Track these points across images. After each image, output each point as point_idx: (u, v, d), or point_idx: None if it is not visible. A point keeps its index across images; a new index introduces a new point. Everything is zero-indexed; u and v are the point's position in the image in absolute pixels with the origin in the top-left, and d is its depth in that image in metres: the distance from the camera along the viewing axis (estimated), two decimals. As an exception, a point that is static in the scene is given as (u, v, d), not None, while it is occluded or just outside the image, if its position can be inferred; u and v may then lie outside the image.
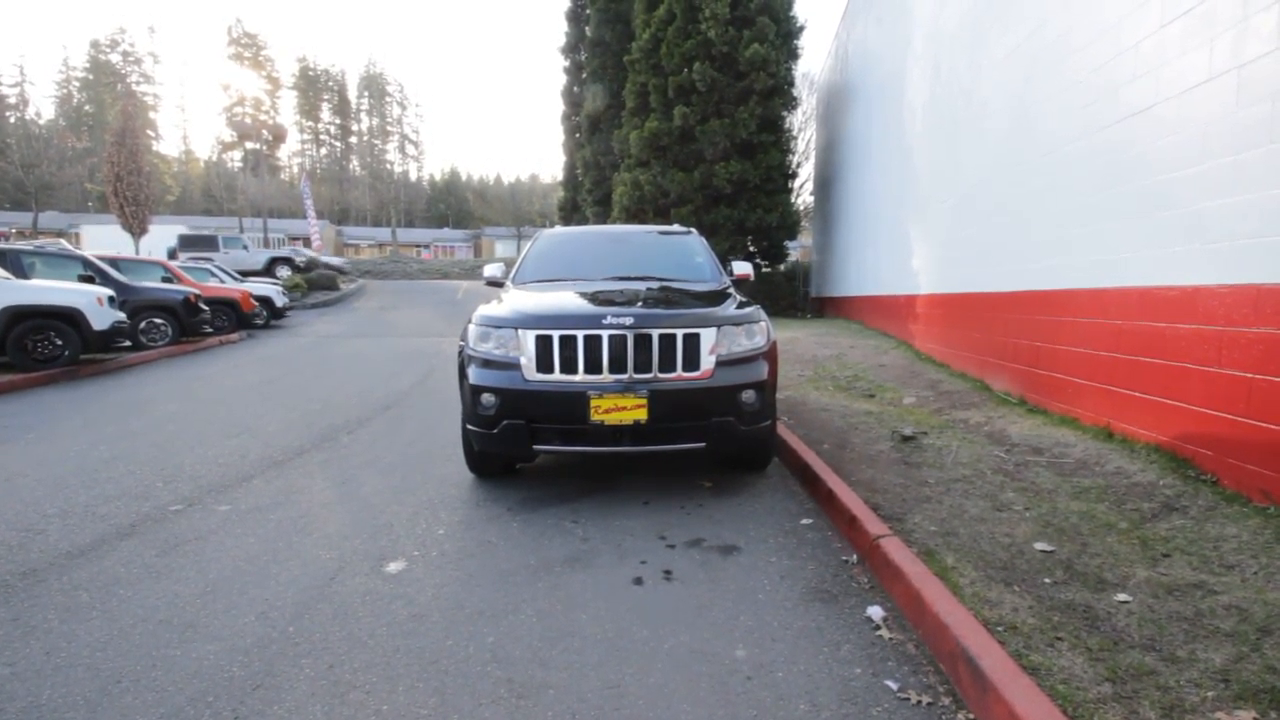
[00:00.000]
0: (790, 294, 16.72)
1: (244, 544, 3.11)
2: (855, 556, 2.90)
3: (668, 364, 3.49)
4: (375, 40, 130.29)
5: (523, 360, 3.52)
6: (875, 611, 2.40)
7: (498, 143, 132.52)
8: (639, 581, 2.72)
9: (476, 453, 3.92)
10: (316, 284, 21.77)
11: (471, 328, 3.80)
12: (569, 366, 3.48)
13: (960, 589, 2.41)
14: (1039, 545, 2.89)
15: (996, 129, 6.20)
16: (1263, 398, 3.04)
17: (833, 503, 3.38)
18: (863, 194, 12.32)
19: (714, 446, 3.59)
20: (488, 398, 3.55)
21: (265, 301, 14.67)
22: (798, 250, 23.74)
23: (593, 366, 3.46)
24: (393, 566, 2.86)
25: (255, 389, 7.59)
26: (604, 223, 18.16)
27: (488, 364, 3.62)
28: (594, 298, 3.99)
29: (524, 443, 3.54)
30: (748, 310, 3.87)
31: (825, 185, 16.37)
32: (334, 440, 5.17)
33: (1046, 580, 2.58)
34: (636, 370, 3.46)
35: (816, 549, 3.04)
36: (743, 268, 5.11)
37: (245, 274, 18.25)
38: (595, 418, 3.40)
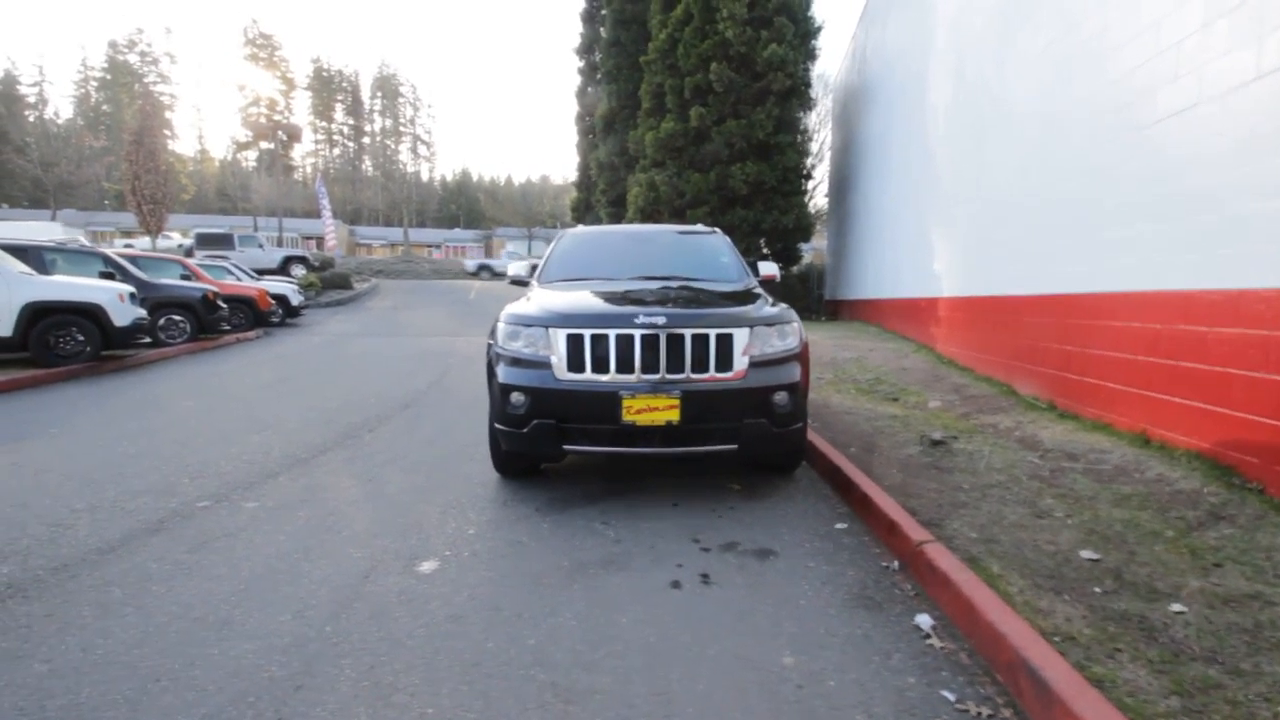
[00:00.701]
0: (804, 296, 16.64)
1: (274, 541, 3.09)
2: (896, 563, 2.84)
3: (700, 364, 3.45)
4: (388, 41, 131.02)
5: (553, 359, 3.49)
6: (923, 620, 2.34)
7: (509, 144, 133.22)
8: (677, 585, 2.67)
9: (504, 452, 3.88)
10: (331, 283, 21.87)
11: (500, 326, 3.77)
12: (600, 366, 3.44)
13: (1011, 598, 2.35)
14: (1085, 553, 2.82)
15: (1025, 131, 6.12)
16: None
17: (868, 508, 3.32)
18: (881, 196, 12.22)
19: (746, 449, 3.54)
20: (517, 397, 3.51)
21: (281, 300, 14.74)
22: (810, 253, 23.62)
23: (625, 366, 3.42)
24: (425, 566, 2.83)
25: (273, 386, 7.60)
26: (619, 223, 18.15)
27: (517, 363, 3.58)
28: (624, 297, 3.95)
29: (554, 443, 3.50)
30: (779, 310, 3.81)
31: (841, 187, 16.27)
32: (355, 438, 5.15)
33: (1096, 589, 2.51)
34: (669, 370, 3.42)
35: (855, 555, 2.98)
36: (769, 268, 5.05)
37: (261, 272, 18.36)
38: (627, 418, 3.36)
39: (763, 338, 3.60)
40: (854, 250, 14.30)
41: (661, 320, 3.45)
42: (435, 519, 3.41)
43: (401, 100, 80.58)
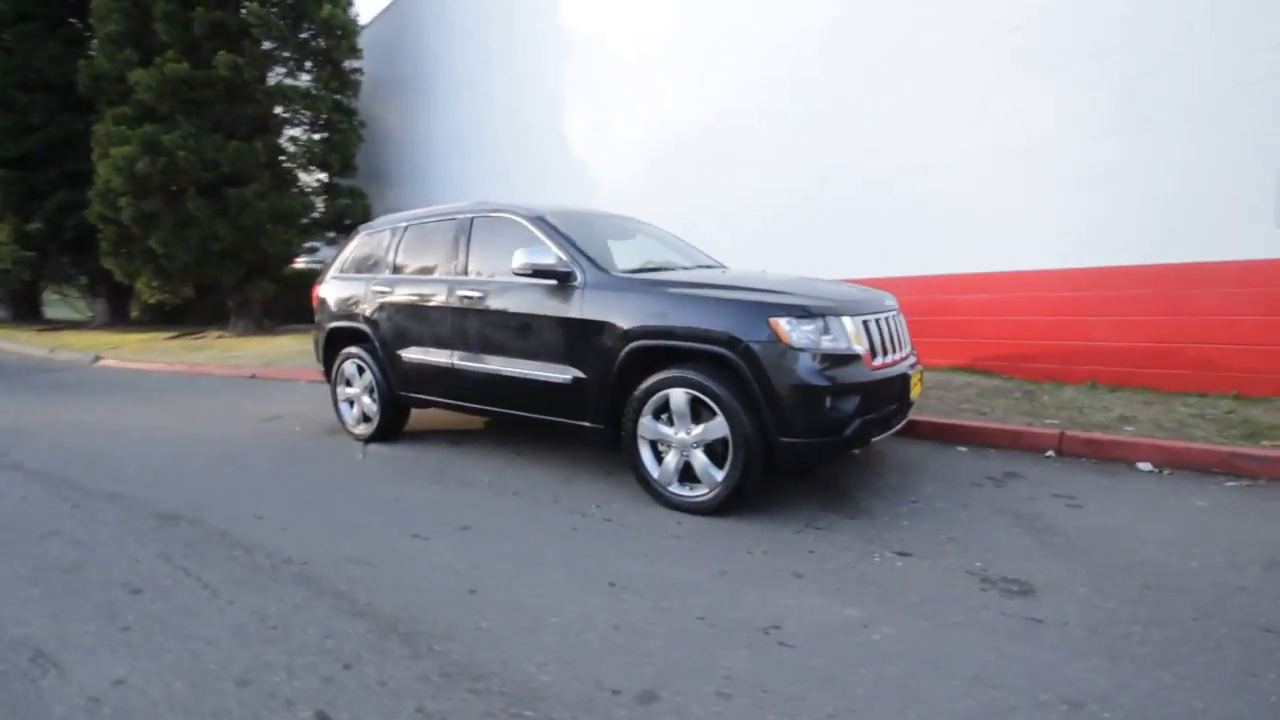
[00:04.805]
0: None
1: None
2: (1051, 452, 4.20)
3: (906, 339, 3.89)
4: None
5: (860, 349, 3.25)
6: (1144, 465, 3.83)
7: None
8: (1073, 504, 3.31)
9: (759, 474, 3.22)
10: None
11: (781, 322, 3.10)
12: (883, 350, 3.44)
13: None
14: (1054, 423, 4.85)
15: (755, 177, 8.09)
16: (1036, 329, 5.90)
17: (970, 435, 4.53)
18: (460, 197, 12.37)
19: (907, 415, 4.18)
20: (831, 398, 3.10)
21: None
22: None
23: (888, 348, 3.53)
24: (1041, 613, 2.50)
25: None
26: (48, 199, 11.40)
27: (824, 358, 3.13)
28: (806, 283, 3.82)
29: (865, 439, 3.29)
30: (871, 292, 4.49)
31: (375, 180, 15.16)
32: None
33: (1130, 430, 4.51)
34: (901, 347, 3.73)
35: (1023, 460, 4.16)
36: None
37: None
38: (911, 396, 3.52)
39: (889, 314, 4.26)
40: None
41: (888, 301, 3.70)
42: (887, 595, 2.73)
43: None
